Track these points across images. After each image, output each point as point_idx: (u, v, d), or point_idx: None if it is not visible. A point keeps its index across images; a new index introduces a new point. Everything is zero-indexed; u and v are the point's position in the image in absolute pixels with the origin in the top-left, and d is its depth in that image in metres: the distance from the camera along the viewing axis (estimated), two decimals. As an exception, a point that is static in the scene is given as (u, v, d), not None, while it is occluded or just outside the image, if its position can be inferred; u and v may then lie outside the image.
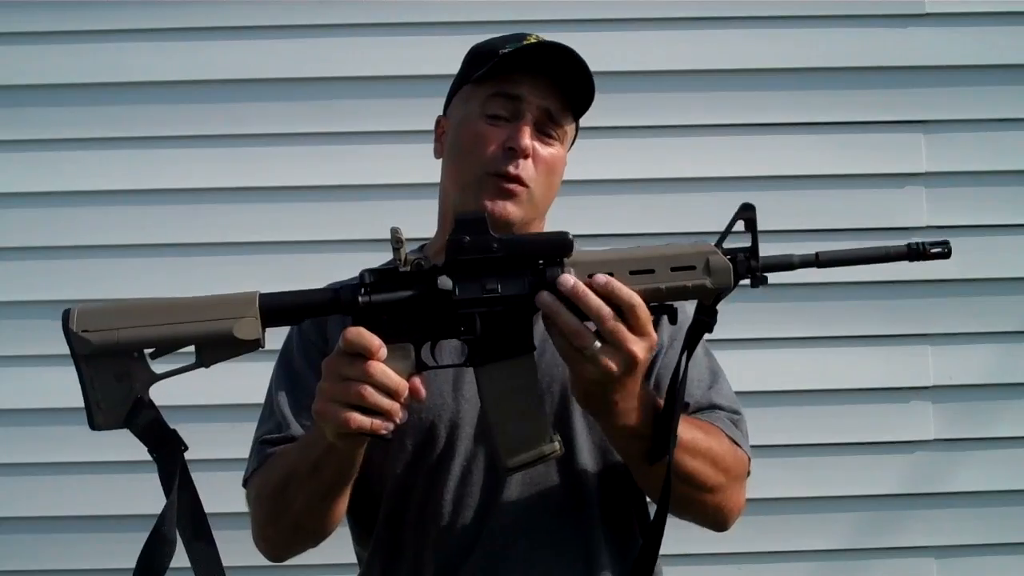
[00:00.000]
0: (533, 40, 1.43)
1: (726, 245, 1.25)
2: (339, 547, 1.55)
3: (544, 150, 1.43)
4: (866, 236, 2.56)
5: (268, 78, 2.56)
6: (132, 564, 1.21)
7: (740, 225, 1.26)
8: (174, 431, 1.23)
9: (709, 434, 1.36)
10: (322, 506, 1.35)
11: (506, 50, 1.41)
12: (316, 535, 1.40)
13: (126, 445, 2.53)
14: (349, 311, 1.22)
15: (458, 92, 1.49)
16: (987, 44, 2.59)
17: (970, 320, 2.56)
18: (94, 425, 1.21)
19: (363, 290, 1.22)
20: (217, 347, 1.21)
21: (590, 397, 1.23)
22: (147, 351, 1.21)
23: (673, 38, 2.58)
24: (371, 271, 1.23)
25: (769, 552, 2.54)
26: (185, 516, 1.23)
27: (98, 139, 2.56)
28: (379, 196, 2.53)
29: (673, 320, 1.26)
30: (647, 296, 1.21)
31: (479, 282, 1.21)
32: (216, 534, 1.25)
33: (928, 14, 2.59)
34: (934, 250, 1.22)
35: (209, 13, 2.57)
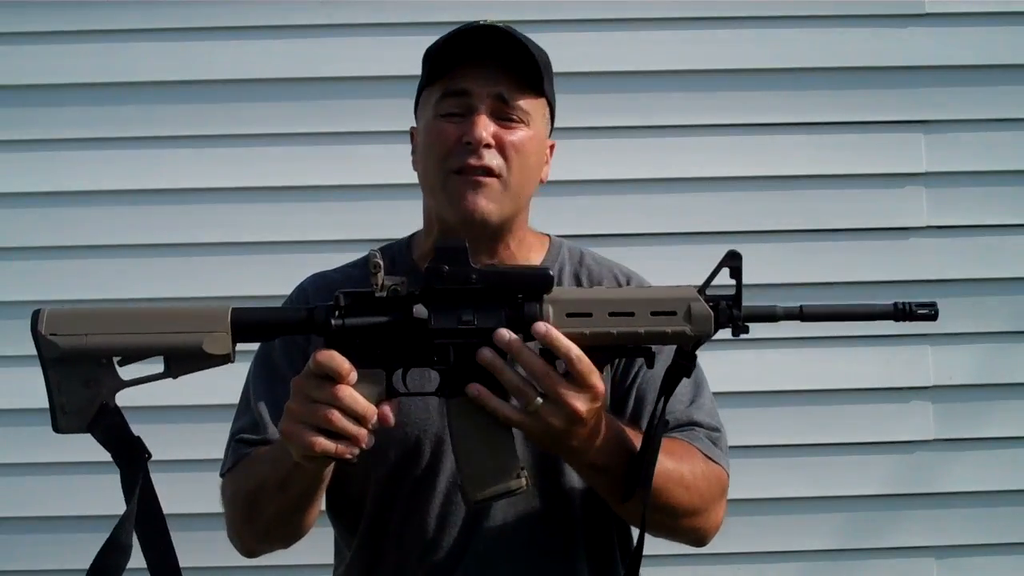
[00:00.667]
0: (474, 25, 1.40)
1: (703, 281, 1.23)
2: (324, 548, 1.55)
3: (509, 135, 1.39)
4: (866, 236, 2.56)
5: (268, 78, 2.56)
6: (132, 564, 1.21)
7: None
8: (138, 438, 1.22)
9: (684, 460, 1.35)
10: (292, 518, 1.35)
11: (439, 45, 1.40)
12: (287, 540, 1.41)
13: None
14: (322, 332, 1.20)
15: (419, 98, 1.48)
16: (987, 44, 2.59)
17: (970, 320, 2.55)
18: (57, 428, 1.21)
19: (337, 312, 1.20)
20: (186, 359, 1.20)
21: (543, 445, 1.22)
22: (115, 358, 1.20)
23: (673, 38, 2.58)
24: (347, 293, 1.21)
25: (768, 552, 2.54)
26: (146, 524, 1.21)
27: (98, 139, 2.55)
28: (379, 196, 2.53)
29: (650, 365, 1.24)
30: (624, 339, 1.20)
31: (455, 312, 1.19)
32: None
33: (928, 14, 2.59)
34: (920, 311, 1.21)
35: (209, 13, 2.56)
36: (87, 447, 2.61)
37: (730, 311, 1.22)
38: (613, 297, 1.22)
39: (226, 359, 1.20)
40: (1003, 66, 2.59)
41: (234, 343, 1.20)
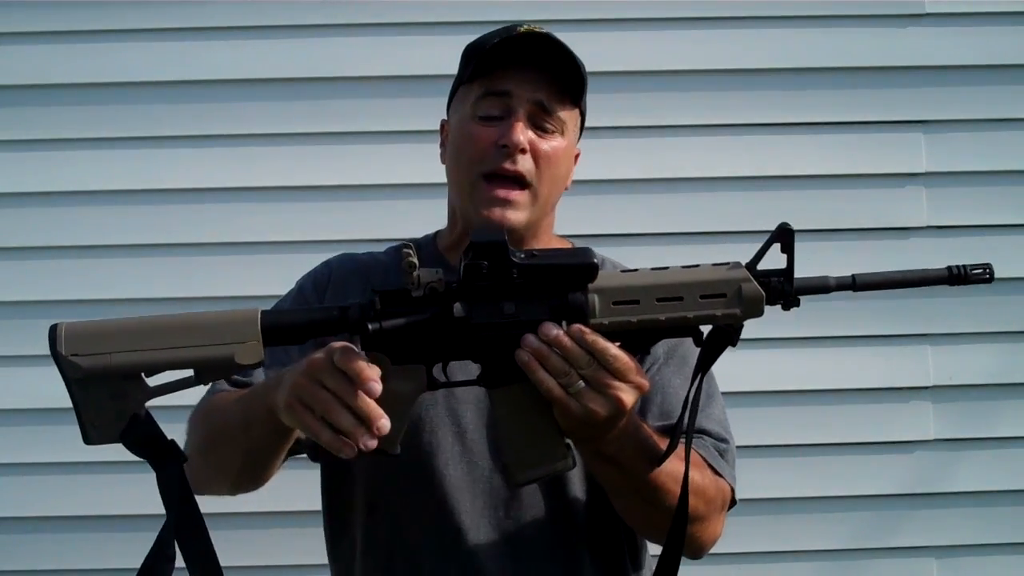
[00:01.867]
0: (523, 31, 1.39)
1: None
2: (323, 548, 1.54)
3: (543, 144, 1.40)
4: (866, 236, 2.56)
5: (268, 78, 2.56)
6: (133, 564, 1.20)
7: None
8: (172, 442, 1.18)
9: (693, 466, 1.32)
10: (248, 461, 1.33)
11: (489, 45, 1.39)
12: (234, 485, 1.39)
13: (126, 445, 2.51)
14: (357, 332, 1.16)
15: (456, 93, 1.48)
16: (987, 44, 2.59)
17: (970, 320, 2.55)
18: (88, 441, 1.17)
19: (372, 314, 1.16)
20: (217, 370, 1.15)
21: (574, 430, 1.20)
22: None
23: (673, 38, 2.58)
24: (383, 294, 1.17)
25: (769, 552, 2.53)
26: (185, 529, 1.17)
27: (98, 139, 2.55)
28: (379, 196, 2.53)
29: (698, 343, 1.21)
30: (674, 323, 1.17)
31: (497, 306, 1.16)
32: (215, 534, 1.24)
33: (928, 14, 2.59)
34: (975, 272, 1.21)
35: (209, 13, 2.56)
36: (87, 448, 2.61)
37: (782, 287, 1.19)
38: (661, 282, 1.18)
39: (259, 365, 1.16)
40: (1003, 66, 2.59)
41: (265, 348, 1.16)
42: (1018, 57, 2.59)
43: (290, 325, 1.18)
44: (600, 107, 2.48)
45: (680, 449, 1.28)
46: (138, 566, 1.19)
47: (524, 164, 1.38)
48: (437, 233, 1.55)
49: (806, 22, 2.59)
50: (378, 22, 2.57)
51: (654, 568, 1.49)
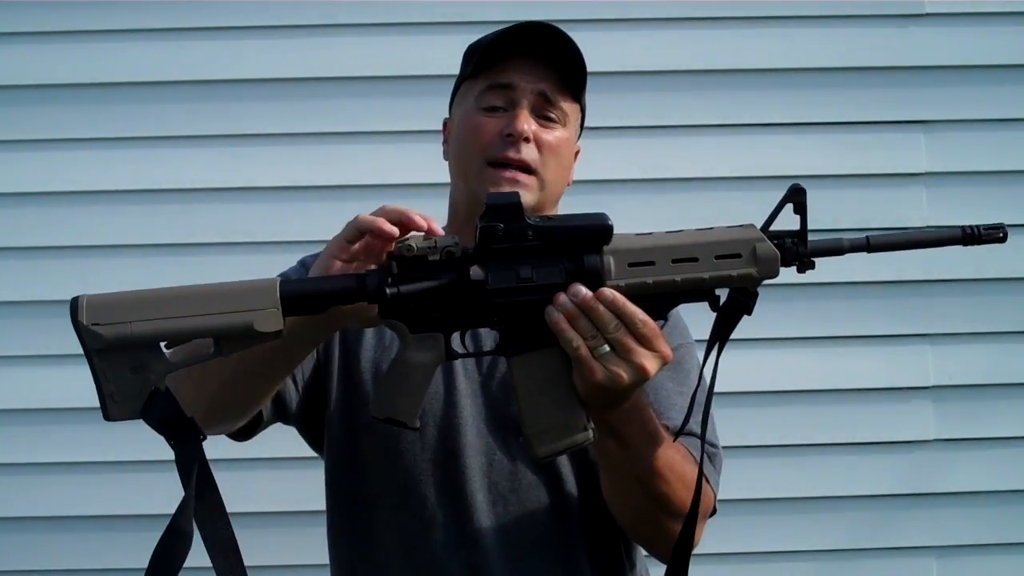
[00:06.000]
0: (524, 22, 1.41)
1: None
2: (324, 548, 1.54)
3: (547, 134, 1.41)
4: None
5: (268, 78, 2.56)
6: (133, 564, 1.21)
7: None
8: (191, 420, 1.17)
9: (687, 460, 1.33)
10: (241, 384, 1.27)
11: (492, 38, 1.40)
12: (228, 413, 1.33)
13: (126, 445, 2.53)
14: (375, 300, 1.16)
15: (457, 91, 1.49)
16: (987, 44, 2.59)
17: (970, 320, 2.55)
18: (108, 416, 1.15)
19: (390, 280, 1.16)
20: (237, 339, 1.14)
21: (594, 396, 1.18)
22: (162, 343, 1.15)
23: (673, 38, 2.58)
24: (398, 258, 1.17)
25: (769, 552, 2.53)
26: (204, 509, 1.16)
27: (98, 139, 2.55)
28: (379, 196, 2.50)
29: (715, 308, 1.20)
30: (689, 285, 1.17)
31: (513, 270, 1.16)
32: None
33: (928, 14, 2.59)
34: (988, 232, 1.19)
35: (209, 13, 2.56)
36: (87, 447, 2.62)
37: (796, 248, 1.19)
38: (676, 243, 1.17)
39: (278, 335, 1.14)
40: (1003, 66, 2.59)
41: (284, 317, 1.14)
42: (1018, 57, 2.59)
43: (309, 293, 1.17)
44: (600, 107, 2.48)
45: (674, 444, 1.29)
46: (139, 566, 1.18)
47: (529, 153, 1.39)
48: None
49: (806, 22, 2.59)
50: (378, 22, 2.57)
51: (644, 565, 1.49)
